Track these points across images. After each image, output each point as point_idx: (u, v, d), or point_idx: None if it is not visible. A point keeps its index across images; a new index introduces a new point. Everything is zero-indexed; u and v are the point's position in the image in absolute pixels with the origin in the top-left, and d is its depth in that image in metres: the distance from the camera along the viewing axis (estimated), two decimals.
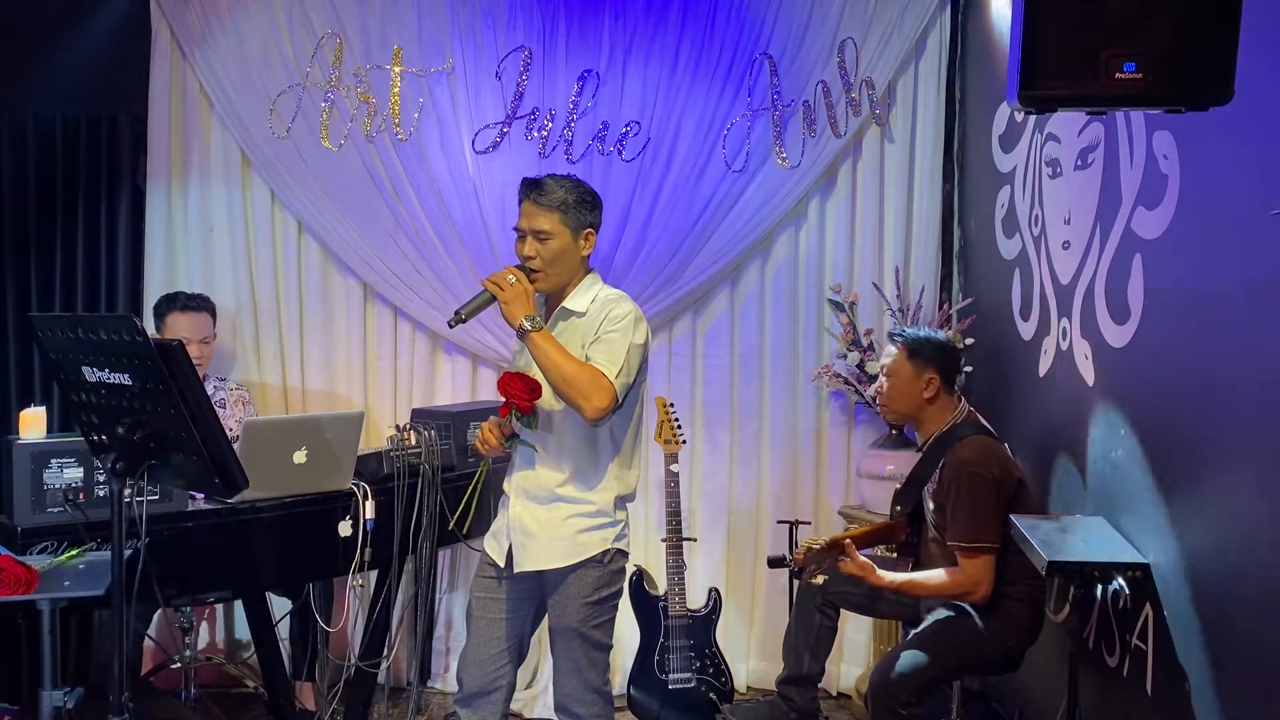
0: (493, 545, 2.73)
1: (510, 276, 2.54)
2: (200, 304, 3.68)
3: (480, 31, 3.97)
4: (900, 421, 3.21)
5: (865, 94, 3.98)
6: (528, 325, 2.49)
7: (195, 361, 3.54)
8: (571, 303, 2.63)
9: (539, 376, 2.54)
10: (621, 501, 2.68)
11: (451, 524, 3.23)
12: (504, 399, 2.57)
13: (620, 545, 2.67)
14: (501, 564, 2.69)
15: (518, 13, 3.97)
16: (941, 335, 3.25)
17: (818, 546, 3.02)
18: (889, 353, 3.17)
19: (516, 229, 2.62)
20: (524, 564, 2.64)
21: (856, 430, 4.12)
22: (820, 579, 3.23)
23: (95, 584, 2.47)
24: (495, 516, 2.79)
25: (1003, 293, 3.64)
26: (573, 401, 2.49)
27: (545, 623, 2.76)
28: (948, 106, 4.07)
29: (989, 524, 2.89)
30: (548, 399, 2.57)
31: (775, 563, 3.31)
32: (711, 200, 3.99)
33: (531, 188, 2.60)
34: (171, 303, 3.64)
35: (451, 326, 2.60)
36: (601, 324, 2.57)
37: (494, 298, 2.54)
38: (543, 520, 2.63)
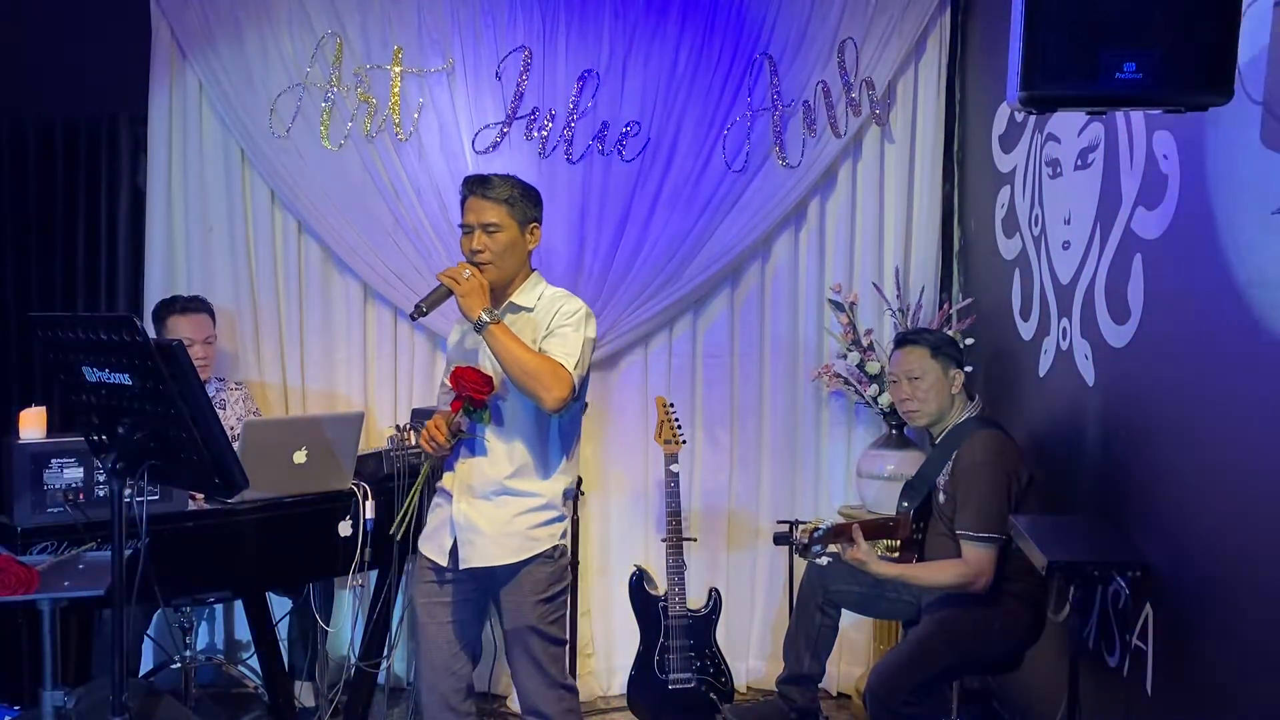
0: (430, 546, 2.71)
1: (466, 271, 2.58)
2: (199, 305, 3.68)
3: (480, 31, 3.97)
4: (930, 423, 3.18)
5: (865, 94, 3.98)
6: (486, 318, 2.52)
7: (201, 362, 3.56)
8: (519, 298, 2.68)
9: (489, 370, 2.56)
10: (568, 494, 2.71)
11: (393, 531, 2.86)
12: (455, 393, 2.57)
13: (565, 540, 2.71)
14: (444, 563, 2.67)
15: (518, 12, 3.96)
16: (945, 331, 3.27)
17: (824, 527, 3.05)
18: (912, 354, 3.16)
19: (462, 225, 2.67)
20: (473, 560, 2.62)
21: (856, 430, 4.12)
22: (824, 560, 3.25)
23: (95, 584, 2.47)
24: (426, 518, 2.78)
25: (1003, 293, 3.64)
26: (533, 393, 2.50)
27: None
28: (948, 106, 4.07)
29: (997, 516, 2.90)
30: (499, 392, 2.59)
31: (780, 539, 3.33)
32: (711, 200, 3.99)
33: (477, 184, 2.66)
34: (170, 307, 3.64)
35: (414, 319, 2.66)
36: (553, 319, 2.61)
37: (451, 291, 2.57)
38: (491, 516, 2.62)
